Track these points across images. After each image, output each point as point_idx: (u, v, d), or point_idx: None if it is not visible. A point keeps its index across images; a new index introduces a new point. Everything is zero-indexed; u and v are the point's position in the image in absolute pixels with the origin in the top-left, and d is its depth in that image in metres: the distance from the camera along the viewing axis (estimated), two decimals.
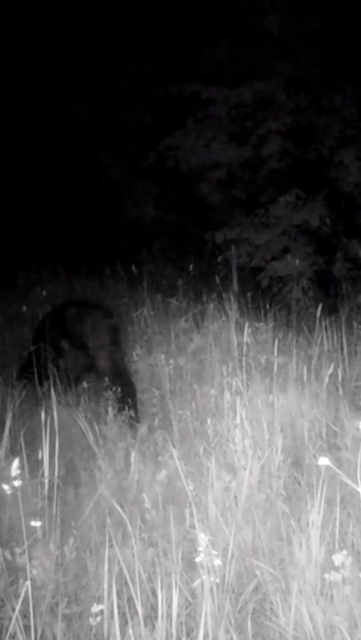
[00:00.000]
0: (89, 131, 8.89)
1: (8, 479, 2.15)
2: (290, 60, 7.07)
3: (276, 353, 4.26)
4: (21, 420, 3.95)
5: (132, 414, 4.06)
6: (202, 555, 2.11)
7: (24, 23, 8.57)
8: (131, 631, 2.12)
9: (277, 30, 7.02)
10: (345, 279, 6.33)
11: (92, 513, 2.89)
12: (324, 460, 2.07)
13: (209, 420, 3.44)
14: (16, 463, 2.14)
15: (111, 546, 2.43)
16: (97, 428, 3.63)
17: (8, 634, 2.16)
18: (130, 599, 2.27)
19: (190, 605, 2.38)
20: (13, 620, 2.09)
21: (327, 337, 4.82)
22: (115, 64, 8.72)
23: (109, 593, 2.22)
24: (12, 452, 3.32)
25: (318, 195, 6.69)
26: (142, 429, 3.78)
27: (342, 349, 4.68)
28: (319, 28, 6.99)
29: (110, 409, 3.74)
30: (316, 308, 4.82)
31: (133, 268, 6.69)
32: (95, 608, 2.07)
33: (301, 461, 3.41)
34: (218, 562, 2.13)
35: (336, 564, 2.07)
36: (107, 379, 4.27)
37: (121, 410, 4.00)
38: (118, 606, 2.14)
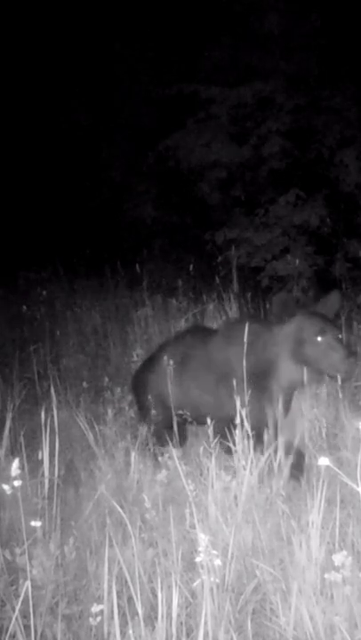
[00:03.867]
0: (89, 131, 8.90)
1: (8, 479, 2.14)
2: (290, 60, 7.08)
3: None
4: (21, 420, 3.95)
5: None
6: (202, 555, 2.11)
7: (25, 24, 8.58)
8: (131, 631, 2.12)
9: (277, 30, 7.02)
10: (345, 279, 6.33)
11: (92, 513, 2.89)
12: (324, 460, 2.07)
13: (208, 420, 3.44)
14: (16, 463, 2.14)
15: (111, 546, 2.43)
16: (97, 428, 3.63)
17: (8, 634, 2.16)
18: (130, 599, 2.27)
19: (190, 605, 2.38)
20: (13, 620, 2.09)
21: None
22: (115, 64, 8.72)
23: (109, 593, 2.22)
24: (12, 451, 3.32)
25: (318, 195, 6.70)
26: (142, 430, 3.77)
27: None
28: (319, 28, 7.00)
29: (110, 409, 3.73)
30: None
31: (134, 268, 6.69)
32: (95, 608, 2.06)
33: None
34: (218, 562, 2.13)
35: (336, 563, 2.07)
36: None
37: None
38: (118, 606, 2.14)
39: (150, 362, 3.88)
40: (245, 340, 3.26)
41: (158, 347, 4.07)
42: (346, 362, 3.17)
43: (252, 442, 2.97)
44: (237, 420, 3.01)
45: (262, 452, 3.02)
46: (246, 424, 2.99)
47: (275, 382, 3.34)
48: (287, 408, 3.38)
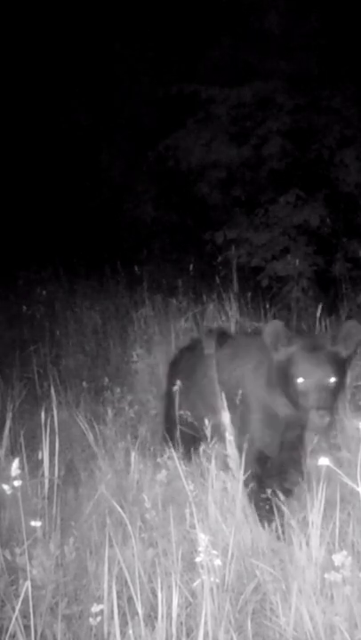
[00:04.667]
0: (89, 131, 8.90)
1: (8, 479, 2.14)
2: (290, 60, 7.08)
3: None
4: (21, 420, 3.95)
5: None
6: (202, 555, 2.11)
7: (25, 24, 8.58)
8: (131, 631, 2.12)
9: (277, 30, 7.03)
10: (345, 279, 6.33)
11: (92, 513, 2.89)
12: (324, 460, 2.07)
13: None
14: (16, 463, 2.14)
15: (111, 546, 2.43)
16: (97, 428, 3.63)
17: (8, 634, 2.16)
18: (130, 599, 2.27)
19: (190, 605, 2.38)
20: (13, 620, 2.09)
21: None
22: (115, 64, 8.73)
23: (109, 593, 2.22)
24: (12, 451, 3.32)
25: (318, 195, 6.70)
26: (142, 430, 3.78)
27: None
28: (319, 28, 7.01)
29: (110, 409, 3.73)
30: (316, 308, 4.81)
31: (134, 268, 6.69)
32: (95, 608, 2.07)
33: None
34: (218, 562, 2.13)
35: (336, 563, 2.07)
36: None
37: None
38: (118, 606, 2.14)
39: (170, 365, 3.86)
40: (253, 358, 3.13)
41: (179, 350, 4.06)
42: (314, 415, 2.72)
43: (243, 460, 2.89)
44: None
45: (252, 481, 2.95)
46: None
47: (277, 412, 3.04)
48: (289, 446, 3.11)
